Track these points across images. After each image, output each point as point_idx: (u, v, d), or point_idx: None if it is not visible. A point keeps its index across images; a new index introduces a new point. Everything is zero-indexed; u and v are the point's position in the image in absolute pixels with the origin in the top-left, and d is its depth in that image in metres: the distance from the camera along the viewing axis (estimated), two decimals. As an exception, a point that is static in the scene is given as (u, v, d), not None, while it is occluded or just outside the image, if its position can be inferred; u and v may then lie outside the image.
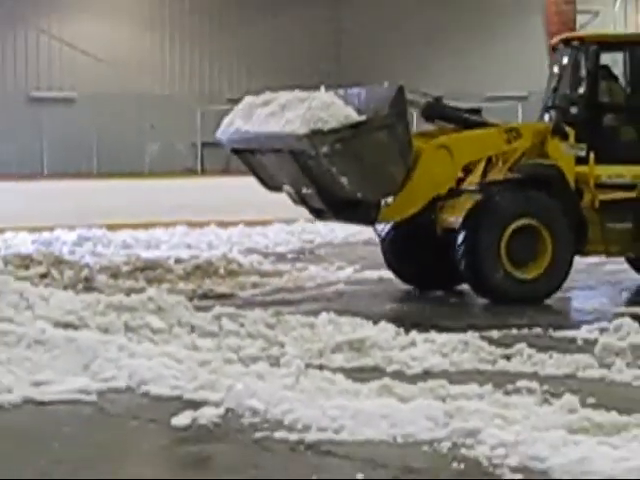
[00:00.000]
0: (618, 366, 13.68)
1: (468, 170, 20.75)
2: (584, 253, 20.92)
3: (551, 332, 16.40)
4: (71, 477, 9.64)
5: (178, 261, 25.67)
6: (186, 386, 12.67)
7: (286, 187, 21.02)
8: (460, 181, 20.78)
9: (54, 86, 41.50)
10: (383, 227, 21.10)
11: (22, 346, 13.79)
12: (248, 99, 20.71)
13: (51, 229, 32.64)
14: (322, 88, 19.37)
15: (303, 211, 34.49)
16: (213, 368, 13.47)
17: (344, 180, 19.05)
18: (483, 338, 15.27)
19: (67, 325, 14.92)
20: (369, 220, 20.52)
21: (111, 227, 32.63)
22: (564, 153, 20.38)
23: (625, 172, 20.34)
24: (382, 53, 38.25)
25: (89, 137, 38.84)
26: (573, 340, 15.70)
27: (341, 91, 19.53)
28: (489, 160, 20.58)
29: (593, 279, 22.20)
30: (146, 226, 33.06)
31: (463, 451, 10.04)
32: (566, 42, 21.87)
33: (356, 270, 24.66)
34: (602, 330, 16.06)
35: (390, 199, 19.91)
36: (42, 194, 34.99)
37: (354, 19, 45.82)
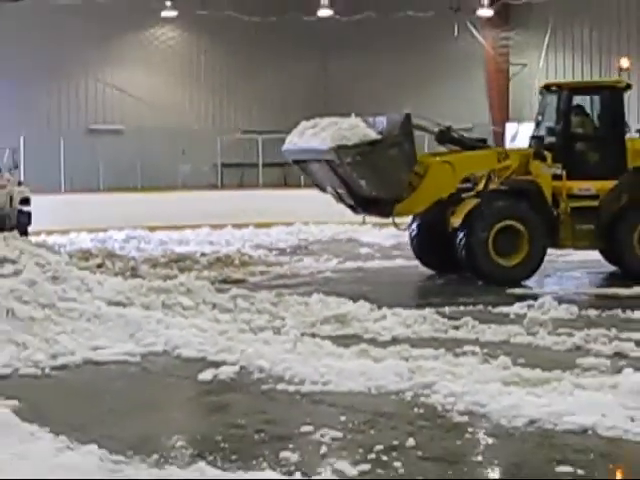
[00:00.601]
0: (541, 334, 13.67)
1: (467, 180, 21.23)
2: (559, 246, 21.18)
3: (490, 308, 16.39)
4: (121, 421, 9.64)
5: (203, 254, 25.63)
6: (209, 350, 12.66)
7: (328, 189, 21.44)
8: (463, 190, 21.27)
9: (107, 121, 41.38)
10: (406, 223, 21.50)
11: (83, 320, 13.76)
12: (303, 123, 20.92)
13: (105, 230, 32.63)
14: (352, 115, 20.07)
15: (299, 216, 34.72)
16: (230, 336, 13.47)
17: (363, 183, 19.87)
18: (438, 313, 15.26)
19: (117, 303, 14.90)
20: (386, 214, 20.91)
21: (151, 229, 32.63)
22: (543, 172, 20.57)
23: (591, 186, 20.45)
24: (360, 95, 38.17)
25: (134, 160, 38.70)
26: (507, 315, 15.68)
27: (370, 118, 20.11)
28: (489, 175, 20.73)
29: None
30: (178, 228, 33.07)
31: (422, 399, 10.08)
32: (547, 88, 22.06)
33: (340, 261, 24.64)
34: (529, 307, 16.05)
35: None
36: (98, 204, 34.88)
37: (338, 70, 45.70)
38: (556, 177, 20.56)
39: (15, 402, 9.93)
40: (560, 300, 16.61)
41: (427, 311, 15.33)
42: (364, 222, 33.84)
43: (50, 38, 38.14)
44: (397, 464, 7.93)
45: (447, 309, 15.94)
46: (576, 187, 20.54)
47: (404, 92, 40.74)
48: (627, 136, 20.92)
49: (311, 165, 21.06)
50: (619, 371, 10.64)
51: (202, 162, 41.83)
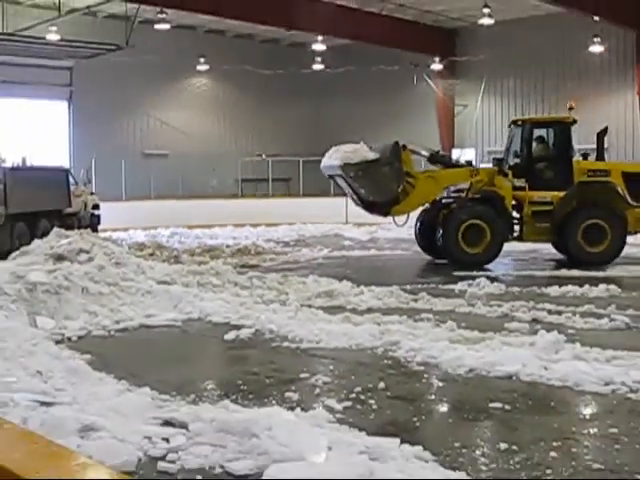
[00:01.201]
0: (478, 305, 13.65)
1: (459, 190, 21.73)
2: (523, 240, 21.29)
3: (440, 286, 16.37)
4: (167, 369, 9.65)
5: (227, 246, 25.56)
6: (232, 317, 12.65)
7: (348, 195, 22.10)
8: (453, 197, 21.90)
9: (157, 147, 41.31)
10: (403, 221, 21.39)
11: (138, 294, 13.74)
12: (333, 147, 21.21)
13: (155, 228, 32.59)
14: (361, 142, 20.71)
15: (299, 218, 34.73)
16: (248, 306, 13.46)
17: (363, 191, 20.72)
18: (401, 289, 15.22)
19: (164, 282, 14.87)
20: (383, 213, 21.46)
21: (190, 227, 32.57)
22: (505, 185, 20.71)
23: (546, 195, 20.61)
24: (345, 129, 38.18)
25: (176, 175, 38.65)
26: (453, 290, 15.66)
27: (374, 145, 20.71)
28: (469, 187, 20.94)
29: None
30: (209, 226, 33.00)
31: (390, 353, 10.08)
32: (514, 122, 22.11)
33: (329, 251, 24.61)
34: (469, 284, 16.05)
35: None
36: (150, 208, 34.82)
37: (328, 109, 45.72)
38: (520, 189, 20.75)
39: (88, 356, 9.96)
40: (492, 279, 16.68)
41: (394, 288, 15.31)
42: (347, 222, 34.10)
43: (116, 86, 38.14)
44: (371, 401, 7.95)
45: (408, 286, 15.91)
46: (536, 196, 20.70)
47: (378, 126, 40.76)
48: (574, 158, 21.05)
49: (337, 178, 21.28)
50: (535, 332, 10.62)
51: (227, 177, 41.85)
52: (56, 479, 2.23)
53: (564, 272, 18.72)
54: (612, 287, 15.46)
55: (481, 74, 39.85)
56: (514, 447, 6.53)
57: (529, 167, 21.08)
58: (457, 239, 20.24)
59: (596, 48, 36.25)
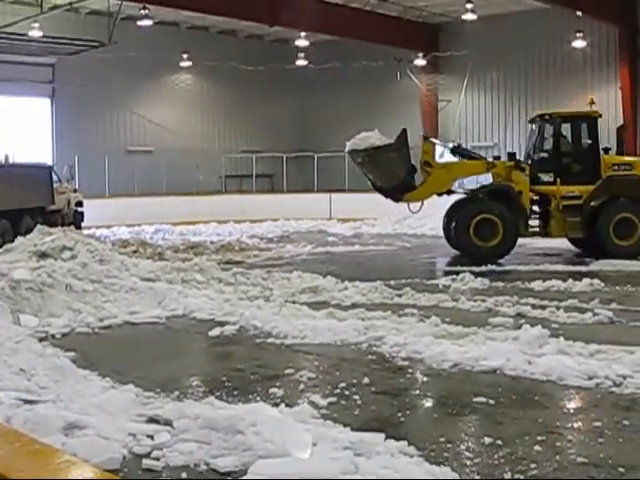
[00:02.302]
0: (462, 300, 13.68)
1: None
2: (551, 236, 21.37)
3: (424, 281, 16.40)
4: (151, 366, 9.65)
5: (212, 242, 25.59)
6: (217, 313, 12.66)
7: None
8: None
9: (140, 144, 41.17)
10: (417, 207, 21.55)
11: (122, 291, 13.72)
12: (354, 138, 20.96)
13: (139, 225, 32.58)
14: (376, 130, 20.66)
15: (283, 214, 34.74)
16: (232, 303, 13.47)
17: (370, 176, 21.08)
18: (386, 285, 15.26)
19: (148, 279, 14.85)
20: (395, 199, 21.44)
21: (174, 224, 32.57)
22: (522, 179, 20.78)
23: (575, 189, 20.66)
24: (328, 124, 38.24)
25: (161, 172, 38.56)
26: (436, 285, 15.69)
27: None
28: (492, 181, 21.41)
29: (447, 251, 22.22)
30: (193, 223, 33.02)
31: (374, 348, 10.10)
32: (541, 117, 22.03)
33: (313, 247, 24.62)
34: (453, 280, 16.08)
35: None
36: (134, 205, 34.72)
37: (311, 105, 45.66)
38: (548, 183, 20.88)
39: (72, 353, 9.94)
40: (476, 275, 16.70)
41: (378, 283, 15.37)
42: (331, 218, 34.16)
43: (99, 83, 37.98)
44: (356, 397, 7.96)
45: (392, 282, 15.93)
46: (565, 190, 20.77)
47: (361, 121, 40.66)
48: None
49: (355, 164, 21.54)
50: (519, 327, 10.66)
51: (211, 173, 41.74)
52: (41, 479, 2.22)
53: (548, 267, 18.78)
54: (595, 281, 15.53)
55: (464, 69, 39.86)
56: (498, 441, 6.54)
57: (557, 161, 21.14)
58: (468, 233, 20.35)
59: (579, 43, 36.29)
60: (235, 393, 8.16)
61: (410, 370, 9.10)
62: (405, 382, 8.68)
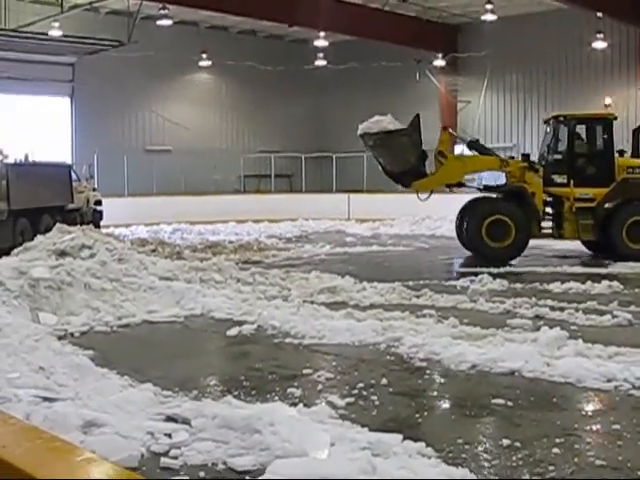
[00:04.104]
0: (480, 301, 13.66)
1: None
2: (564, 238, 21.32)
3: (443, 282, 16.38)
4: (169, 365, 9.65)
5: (230, 242, 25.63)
6: (235, 313, 12.67)
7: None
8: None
9: (159, 143, 41.25)
10: (426, 195, 21.37)
11: (141, 290, 13.75)
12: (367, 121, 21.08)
13: (157, 224, 32.69)
14: (389, 115, 20.75)
15: (301, 214, 34.78)
16: (250, 302, 13.47)
17: (381, 160, 21.18)
18: (404, 285, 15.24)
19: (167, 278, 14.87)
20: (404, 184, 21.58)
21: (192, 223, 32.67)
22: (535, 180, 20.73)
23: (589, 191, 20.59)
24: (345, 124, 38.15)
25: (179, 171, 38.65)
26: (455, 287, 15.66)
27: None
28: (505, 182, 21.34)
29: (463, 253, 22.21)
30: (211, 222, 33.09)
31: (392, 349, 10.09)
32: (555, 118, 21.89)
33: (331, 247, 24.62)
34: (471, 281, 16.04)
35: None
36: (152, 204, 34.83)
37: (329, 105, 45.66)
38: (561, 185, 20.77)
39: (91, 351, 9.98)
40: (494, 276, 16.65)
41: (396, 284, 15.33)
42: (349, 218, 34.18)
43: (118, 82, 38.10)
44: (374, 397, 7.95)
45: (411, 282, 15.90)
46: (578, 192, 20.66)
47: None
48: None
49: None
50: (538, 329, 10.64)
51: (229, 173, 41.79)
52: (66, 478, 2.23)
53: (566, 269, 18.72)
54: (614, 284, 15.46)
55: (484, 70, 39.82)
56: (517, 443, 6.53)
57: (571, 163, 21.04)
58: (480, 234, 20.34)
59: (599, 44, 36.19)
60: (253, 393, 8.17)
61: (428, 371, 9.09)
62: (423, 383, 8.67)
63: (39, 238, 16.04)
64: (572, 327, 11.31)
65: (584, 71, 37.42)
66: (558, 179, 20.88)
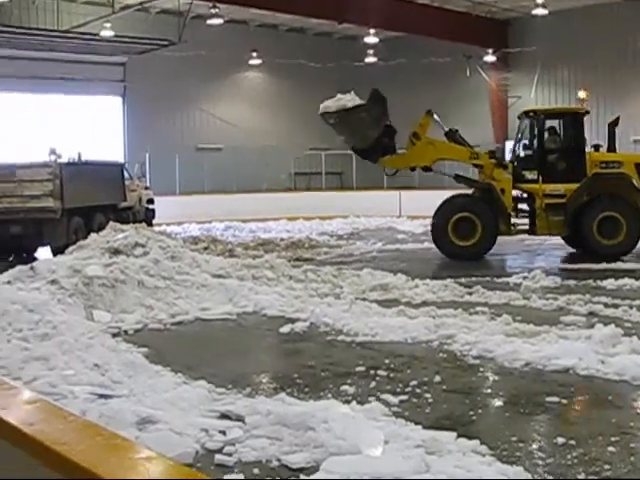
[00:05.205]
0: (533, 298, 13.55)
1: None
2: (536, 234, 21.15)
3: (495, 279, 16.27)
4: (223, 362, 9.71)
5: (282, 239, 25.65)
6: (287, 310, 12.70)
7: None
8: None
9: (210, 141, 41.43)
10: (393, 170, 21.77)
11: (194, 288, 13.83)
12: (327, 100, 21.23)
13: (210, 222, 32.87)
14: (352, 92, 20.89)
15: (353, 211, 34.78)
16: (302, 300, 13.49)
17: (342, 137, 21.57)
18: (456, 282, 15.16)
19: (219, 276, 14.94)
20: (372, 160, 21.63)
21: (243, 221, 32.79)
22: (504, 177, 20.52)
23: (560, 187, 20.29)
24: (396, 121, 38.22)
25: (230, 170, 38.81)
26: (507, 283, 15.56)
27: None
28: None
29: (516, 249, 22.07)
30: (263, 220, 33.21)
31: (445, 347, 10.06)
32: (526, 114, 21.68)
33: (383, 244, 24.58)
34: (524, 277, 15.93)
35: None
36: (204, 202, 35.06)
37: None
38: (532, 181, 20.55)
39: (145, 349, 10.06)
40: (547, 272, 16.50)
41: (448, 281, 15.26)
42: (400, 215, 34.12)
43: (169, 81, 38.35)
44: (427, 395, 7.94)
45: (463, 279, 15.81)
46: (548, 188, 20.37)
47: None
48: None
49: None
50: (592, 326, 10.55)
51: (280, 171, 41.90)
52: (128, 478, 2.24)
53: (620, 265, 18.49)
54: (670, 280, 15.28)
55: (535, 65, 39.51)
56: (571, 442, 6.47)
57: (541, 159, 20.79)
58: (447, 231, 20.31)
59: (654, 37, 35.75)
60: (306, 390, 8.19)
61: (481, 369, 9.05)
62: (476, 381, 8.63)
63: (93, 236, 16.22)
64: (626, 324, 11.18)
65: (638, 65, 36.92)
66: (529, 175, 20.69)
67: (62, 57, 34.71)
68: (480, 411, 7.55)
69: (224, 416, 7.04)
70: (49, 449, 2.41)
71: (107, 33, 32.54)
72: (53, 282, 12.39)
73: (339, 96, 20.58)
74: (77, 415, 2.91)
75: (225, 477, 5.89)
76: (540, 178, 20.45)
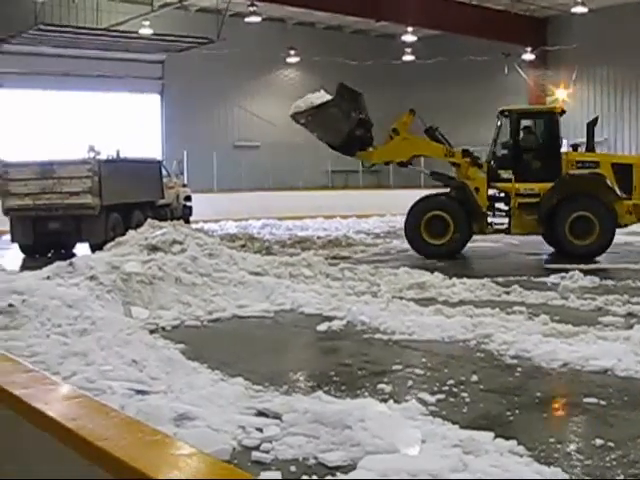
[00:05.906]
0: (572, 299, 13.46)
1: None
2: (511, 233, 21.09)
3: (532, 279, 16.16)
4: (260, 360, 9.71)
5: (318, 237, 25.67)
6: (324, 308, 12.69)
7: None
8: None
9: (247, 139, 41.60)
10: (369, 162, 22.59)
11: (231, 285, 13.87)
12: (297, 100, 21.82)
13: (247, 219, 32.95)
14: (322, 90, 21.43)
15: (389, 209, 34.73)
16: (339, 298, 13.48)
17: (315, 134, 21.84)
18: (493, 282, 15.08)
19: (257, 273, 14.98)
20: (350, 154, 22.14)
21: (280, 218, 32.86)
22: (479, 176, 20.62)
23: (534, 187, 20.24)
24: (434, 118, 38.04)
25: (267, 167, 38.94)
26: (545, 283, 15.46)
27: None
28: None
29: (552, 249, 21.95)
30: (300, 218, 33.25)
31: (482, 346, 9.99)
32: (501, 113, 21.49)
33: (419, 243, 24.55)
34: (562, 277, 15.82)
35: (371, 149, 21.88)
36: (241, 200, 35.19)
37: (417, 99, 45.46)
38: (507, 180, 20.50)
39: (182, 345, 10.11)
40: (585, 273, 16.37)
41: (485, 280, 15.17)
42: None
43: (207, 79, 38.53)
44: (464, 394, 7.90)
45: (500, 279, 15.72)
46: (522, 188, 20.36)
47: (468, 117, 40.54)
48: (563, 149, 20.85)
49: None
50: (631, 327, 10.47)
51: (317, 169, 41.94)
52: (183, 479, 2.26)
53: (660, 265, 18.34)
54: None
55: (573, 63, 39.27)
56: (610, 443, 6.41)
57: (516, 158, 20.68)
58: (419, 230, 20.44)
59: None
60: (343, 388, 8.18)
61: (519, 368, 8.99)
62: (514, 380, 8.58)
63: (131, 233, 16.33)
64: (666, 325, 11.09)
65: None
66: (504, 174, 20.58)
67: (101, 55, 35.02)
68: (517, 411, 7.50)
69: (261, 413, 7.05)
70: (91, 444, 2.43)
71: (146, 31, 32.77)
72: (92, 278, 12.47)
73: (308, 95, 21.04)
74: (118, 411, 2.93)
75: (262, 474, 5.90)
76: (514, 177, 20.42)
